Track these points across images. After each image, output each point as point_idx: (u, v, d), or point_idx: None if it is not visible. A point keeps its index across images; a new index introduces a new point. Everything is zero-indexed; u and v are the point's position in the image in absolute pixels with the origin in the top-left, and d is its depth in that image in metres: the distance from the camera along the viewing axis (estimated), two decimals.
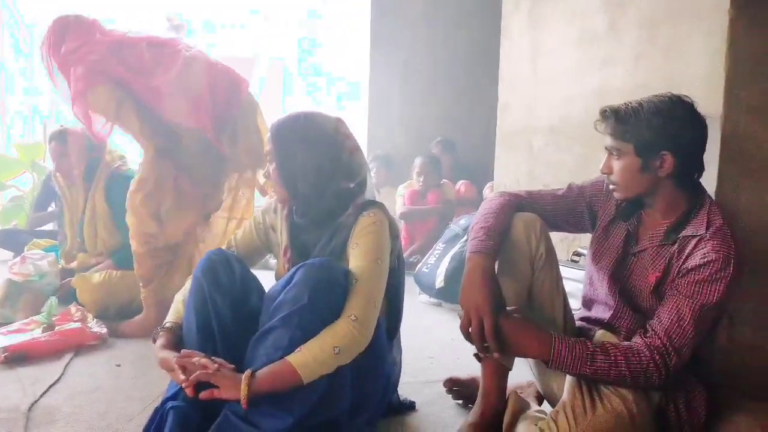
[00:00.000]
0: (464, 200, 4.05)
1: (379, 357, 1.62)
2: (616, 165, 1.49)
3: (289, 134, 1.62)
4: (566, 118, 2.33)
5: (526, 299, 1.58)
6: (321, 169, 1.61)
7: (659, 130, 1.42)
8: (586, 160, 2.23)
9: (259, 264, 1.95)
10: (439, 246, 2.98)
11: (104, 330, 2.34)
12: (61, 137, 2.85)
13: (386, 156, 4.58)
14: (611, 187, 1.53)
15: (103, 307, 2.54)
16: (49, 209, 3.75)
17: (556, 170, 2.38)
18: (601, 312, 1.63)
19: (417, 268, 3.03)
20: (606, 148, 1.50)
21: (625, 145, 1.46)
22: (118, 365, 2.11)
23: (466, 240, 2.80)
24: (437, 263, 2.87)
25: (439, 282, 2.79)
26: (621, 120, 1.46)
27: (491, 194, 1.73)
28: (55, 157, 2.88)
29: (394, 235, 1.69)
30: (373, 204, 1.68)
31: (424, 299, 2.95)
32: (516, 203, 1.64)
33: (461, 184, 4.16)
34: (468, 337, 1.46)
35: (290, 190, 1.64)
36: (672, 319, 1.39)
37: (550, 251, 1.59)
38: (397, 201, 4.13)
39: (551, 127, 2.41)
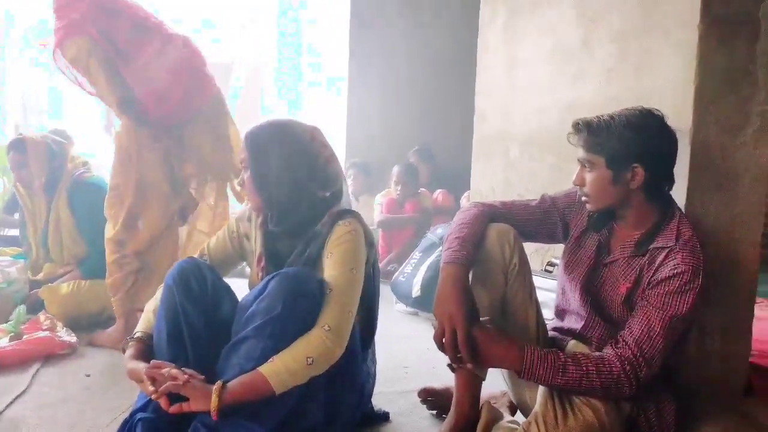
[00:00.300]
0: (442, 209, 4.06)
1: (353, 367, 1.62)
2: (588, 177, 1.51)
3: (265, 142, 1.61)
4: (540, 128, 2.36)
5: (500, 309, 1.59)
6: (296, 178, 1.61)
7: (630, 142, 1.45)
8: (559, 171, 2.25)
9: (234, 272, 1.94)
10: (416, 255, 2.98)
11: (74, 339, 2.29)
12: (20, 146, 2.73)
13: (364, 164, 4.58)
14: (583, 198, 1.55)
15: (74, 317, 2.49)
16: (16, 216, 3.66)
17: (530, 179, 2.40)
18: (574, 322, 1.65)
19: (394, 277, 3.03)
20: (578, 160, 1.53)
21: (596, 157, 1.48)
22: (88, 375, 2.07)
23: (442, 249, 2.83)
24: (414, 272, 2.88)
25: (416, 291, 2.80)
26: (593, 133, 1.48)
27: (466, 204, 1.74)
28: (15, 167, 2.75)
29: (369, 243, 1.69)
30: (349, 213, 1.68)
31: (401, 308, 2.96)
32: (490, 214, 1.65)
33: (438, 193, 4.17)
34: (441, 347, 1.47)
35: (265, 198, 1.63)
36: (642, 330, 1.41)
37: (524, 261, 1.61)
38: (375, 209, 4.13)
39: (526, 136, 2.43)
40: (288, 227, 1.67)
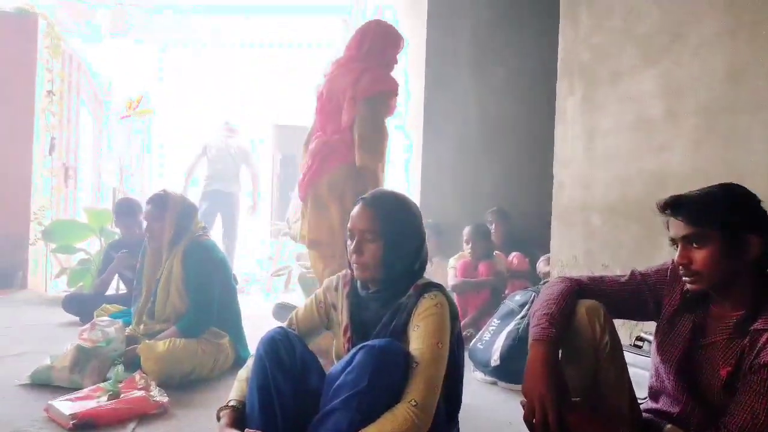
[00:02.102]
0: (517, 273, 4.02)
1: None
2: (698, 254, 1.44)
3: (400, 216, 1.69)
4: (623, 198, 2.34)
5: (591, 389, 1.55)
6: (412, 252, 1.68)
7: (743, 211, 1.41)
8: (645, 241, 2.22)
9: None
10: (494, 322, 2.95)
11: (166, 399, 2.39)
12: (160, 201, 2.96)
13: (437, 225, 4.61)
14: (688, 279, 1.49)
15: (167, 375, 2.59)
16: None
17: (615, 249, 2.37)
18: (669, 405, 1.59)
19: (471, 344, 3.01)
20: (678, 239, 1.48)
21: (707, 230, 1.43)
22: None
23: (522, 317, 2.80)
24: (492, 340, 2.84)
25: (495, 360, 2.76)
26: (700, 205, 1.44)
27: (553, 279, 1.74)
28: (149, 219, 2.98)
29: (454, 316, 1.70)
30: (435, 286, 1.72)
31: (479, 377, 2.91)
32: (578, 289, 1.64)
33: (514, 256, 4.14)
34: (532, 428, 1.45)
35: (387, 270, 1.68)
36: (746, 418, 1.35)
37: (615, 339, 1.58)
38: (449, 273, 4.13)
39: (608, 206, 2.41)
40: (382, 298, 1.71)
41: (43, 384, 2.60)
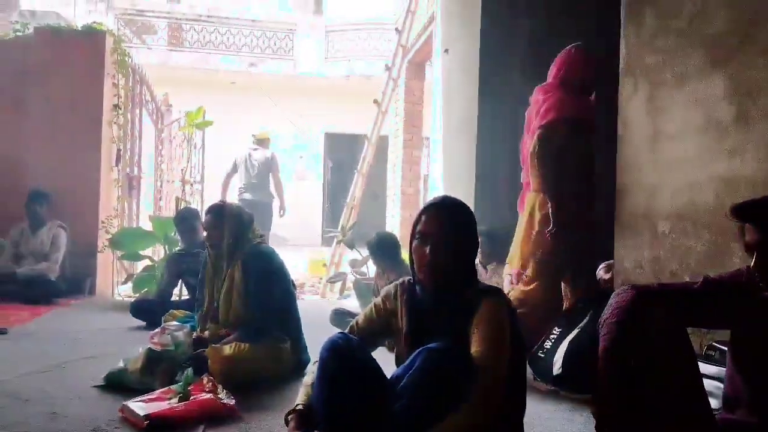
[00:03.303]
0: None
1: None
2: None
3: (460, 218, 1.74)
4: (692, 204, 2.28)
5: (664, 398, 1.52)
6: (471, 253, 1.72)
7: None
8: (715, 248, 2.15)
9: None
10: (556, 330, 2.91)
11: (233, 401, 2.46)
12: (218, 210, 3.08)
13: (492, 232, 4.58)
14: (766, 285, 1.45)
15: (232, 378, 2.66)
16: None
17: (684, 256, 2.30)
18: (746, 415, 1.55)
19: (532, 352, 2.97)
20: (754, 245, 1.44)
21: None
22: None
23: (585, 324, 2.75)
24: (554, 348, 2.80)
25: (557, 369, 2.72)
26: None
27: (622, 287, 1.71)
28: (208, 228, 3.09)
29: (514, 319, 1.71)
30: (494, 289, 1.75)
31: (540, 386, 2.87)
32: (648, 297, 1.61)
33: None
34: None
35: (452, 276, 1.71)
36: None
37: (687, 347, 1.54)
38: (505, 280, 4.08)
39: (676, 212, 2.36)
40: (442, 302, 1.74)
41: (117, 385, 2.72)
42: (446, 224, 1.72)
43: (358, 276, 5.77)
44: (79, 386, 2.74)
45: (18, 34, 5.65)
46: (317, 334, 3.24)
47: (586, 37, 4.60)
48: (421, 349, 1.60)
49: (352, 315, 4.18)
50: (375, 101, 7.59)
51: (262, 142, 7.30)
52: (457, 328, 1.68)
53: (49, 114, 5.38)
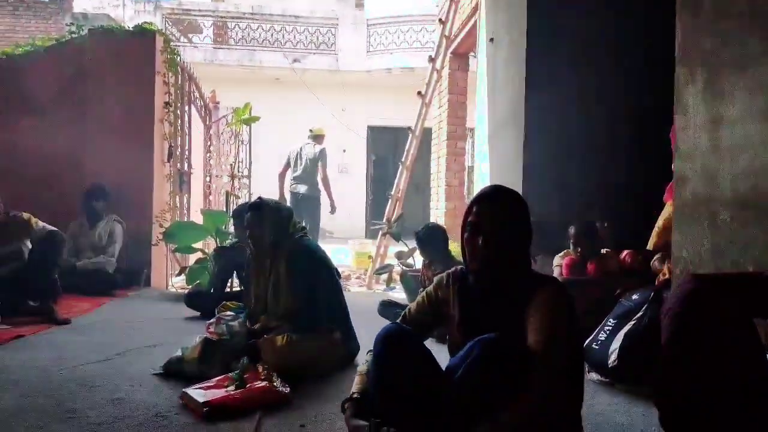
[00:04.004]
0: (630, 271, 3.86)
1: None
2: None
3: (513, 208, 1.73)
4: (755, 191, 2.20)
5: (733, 391, 1.48)
6: (524, 244, 1.71)
7: None
8: None
9: None
10: (610, 321, 2.86)
11: (287, 389, 2.51)
12: (258, 207, 3.14)
13: (539, 223, 4.52)
14: None
15: (285, 368, 2.71)
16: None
17: (746, 246, 2.23)
18: None
19: (585, 344, 2.93)
20: None
21: None
22: (303, 426, 2.25)
23: (641, 316, 2.70)
24: (609, 340, 2.76)
25: (612, 361, 2.67)
26: None
27: (683, 277, 1.67)
28: (249, 226, 3.16)
29: (572, 309, 1.69)
30: (550, 278, 1.73)
31: (594, 377, 2.83)
32: (713, 286, 1.57)
33: (626, 254, 3.97)
34: (669, 430, 1.41)
35: (506, 265, 1.71)
36: None
37: (755, 338, 1.50)
38: (554, 271, 4.04)
39: (738, 200, 2.28)
40: (496, 291, 1.73)
41: (175, 373, 2.81)
42: (498, 215, 1.72)
43: (404, 268, 5.78)
44: (139, 373, 2.85)
45: (73, 36, 5.86)
46: (365, 324, 3.29)
47: (635, 24, 4.51)
48: (477, 338, 1.60)
49: (400, 306, 4.20)
50: (419, 93, 7.57)
51: (317, 138, 7.60)
52: (511, 317, 1.67)
53: (104, 113, 5.57)
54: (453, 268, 1.92)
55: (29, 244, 4.18)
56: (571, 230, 3.95)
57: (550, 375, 1.52)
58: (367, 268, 7.24)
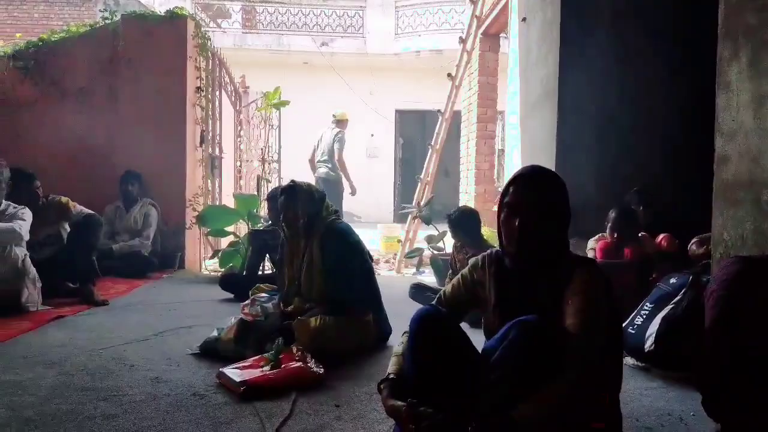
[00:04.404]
0: (666, 255, 3.78)
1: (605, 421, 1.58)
2: None
3: (559, 195, 1.70)
4: None
5: None
6: (566, 229, 1.68)
7: None
8: None
9: None
10: (647, 306, 2.81)
11: (322, 370, 2.54)
12: (291, 191, 3.16)
13: (571, 206, 4.45)
14: None
15: (318, 349, 2.74)
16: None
17: None
18: None
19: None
20: None
21: None
22: (337, 405, 2.28)
23: (679, 300, 2.65)
24: (645, 324, 2.71)
25: (649, 345, 2.63)
26: None
27: (727, 260, 1.63)
28: (283, 209, 3.18)
29: (610, 292, 1.66)
30: (588, 260, 1.70)
31: (630, 362, 2.79)
32: (758, 268, 1.53)
33: (662, 238, 3.90)
34: (709, 411, 1.38)
35: (544, 247, 1.69)
36: None
37: None
38: (588, 255, 3.98)
39: None
40: (534, 273, 1.71)
41: (211, 353, 2.86)
42: (535, 195, 1.68)
43: (434, 251, 5.78)
44: (176, 353, 2.91)
45: (107, 21, 5.93)
46: (394, 308, 3.30)
47: (673, 2, 4.37)
48: (514, 321, 1.58)
49: (431, 289, 4.21)
50: (449, 75, 7.49)
51: (339, 122, 7.74)
52: (548, 300, 1.65)
53: (137, 97, 5.65)
54: (488, 251, 1.89)
55: (67, 228, 4.28)
56: (611, 214, 3.87)
57: (588, 357, 1.50)
58: (396, 252, 7.25)
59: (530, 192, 1.67)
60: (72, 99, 5.68)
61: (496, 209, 1.78)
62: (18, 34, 8.44)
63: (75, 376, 2.55)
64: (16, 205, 3.77)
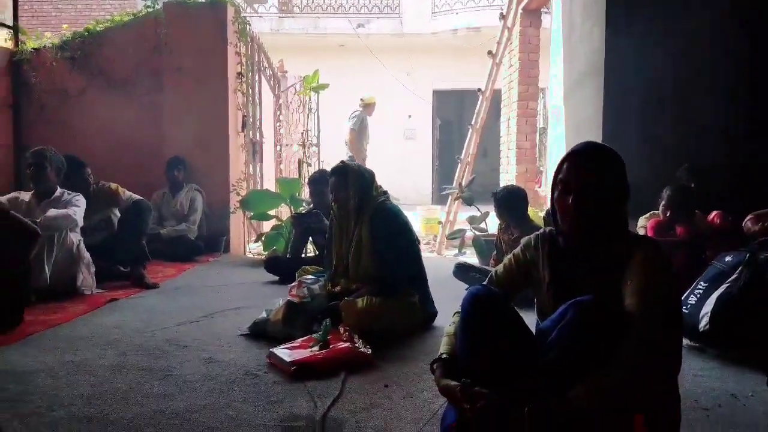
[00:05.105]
0: (719, 232, 3.66)
1: (669, 404, 1.55)
2: None
3: (618, 172, 1.63)
4: None
5: None
6: (622, 202, 1.63)
7: None
8: None
9: None
10: (701, 285, 2.73)
11: (369, 351, 2.56)
12: (342, 172, 3.18)
13: None
14: None
15: (365, 330, 2.76)
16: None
17: None
18: None
19: None
20: None
21: None
22: (387, 386, 2.30)
23: (736, 278, 2.57)
24: (699, 304, 2.64)
25: (703, 325, 2.56)
26: None
27: None
28: (334, 189, 3.21)
29: (671, 273, 1.61)
30: (648, 239, 1.65)
31: (683, 342, 2.73)
32: None
33: (714, 215, 3.77)
34: None
35: (602, 226, 1.63)
36: None
37: None
38: (639, 233, 3.88)
39: None
40: (591, 253, 1.67)
41: (260, 334, 2.92)
42: (591, 172, 1.62)
43: (476, 232, 5.73)
44: (227, 334, 2.98)
45: (149, 9, 6.02)
46: (437, 289, 3.29)
47: None
48: (572, 301, 1.55)
49: (475, 269, 4.18)
50: (489, 52, 7.36)
51: (367, 106, 7.81)
52: (605, 280, 1.61)
53: (181, 84, 5.73)
54: (542, 229, 1.85)
55: (118, 213, 4.41)
56: (665, 193, 3.76)
57: (650, 340, 1.46)
58: (436, 234, 7.22)
59: (585, 168, 1.62)
60: (118, 87, 5.81)
61: (550, 187, 1.74)
62: (65, 26, 8.65)
63: (131, 356, 2.63)
64: (71, 192, 3.89)
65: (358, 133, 7.93)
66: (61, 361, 2.55)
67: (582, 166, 1.62)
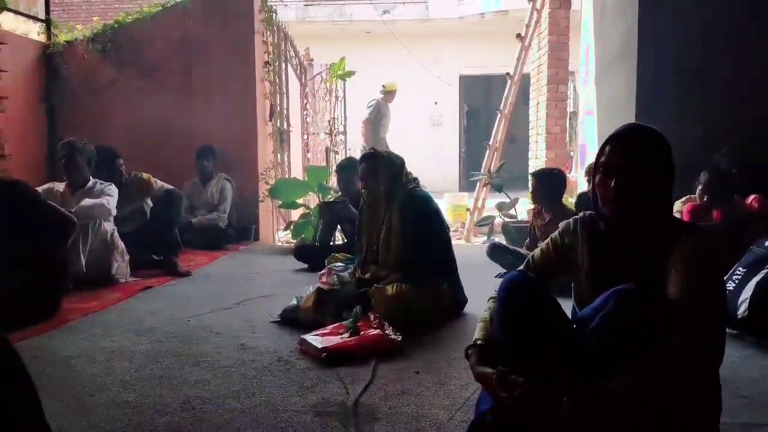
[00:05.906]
0: (757, 216, 3.56)
1: (710, 394, 1.51)
2: None
3: (661, 155, 1.57)
4: None
5: None
6: (665, 186, 1.57)
7: None
8: None
9: None
10: (739, 270, 2.66)
11: (399, 338, 2.56)
12: (371, 158, 3.19)
13: None
14: None
15: (395, 317, 2.75)
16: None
17: None
18: None
19: None
20: None
21: None
22: (417, 372, 2.29)
23: None
24: (738, 290, 2.57)
25: (742, 311, 2.50)
26: None
27: None
28: (364, 176, 3.21)
29: (718, 260, 1.56)
30: (693, 225, 1.59)
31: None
32: None
33: (752, 199, 3.67)
34: None
35: (645, 211, 1.58)
36: None
37: None
38: (682, 219, 3.79)
39: None
40: (633, 239, 1.62)
41: (291, 321, 2.94)
42: (633, 156, 1.56)
43: (506, 219, 5.68)
44: (258, 321, 3.01)
45: (177, 1, 6.06)
46: (465, 276, 3.26)
47: None
48: (613, 290, 1.51)
49: (509, 251, 4.12)
50: (518, 35, 7.24)
51: (387, 93, 7.78)
52: (648, 268, 1.56)
53: (209, 74, 5.78)
54: (582, 213, 1.80)
55: (150, 203, 4.47)
56: (703, 177, 3.66)
57: (695, 330, 1.41)
58: (464, 221, 7.17)
59: (627, 151, 1.56)
60: (148, 78, 5.87)
61: (591, 170, 1.69)
62: (95, 18, 8.78)
63: (166, 342, 2.68)
64: (103, 182, 3.97)
65: (374, 123, 7.82)
66: (98, 347, 2.61)
67: (623, 149, 1.57)
